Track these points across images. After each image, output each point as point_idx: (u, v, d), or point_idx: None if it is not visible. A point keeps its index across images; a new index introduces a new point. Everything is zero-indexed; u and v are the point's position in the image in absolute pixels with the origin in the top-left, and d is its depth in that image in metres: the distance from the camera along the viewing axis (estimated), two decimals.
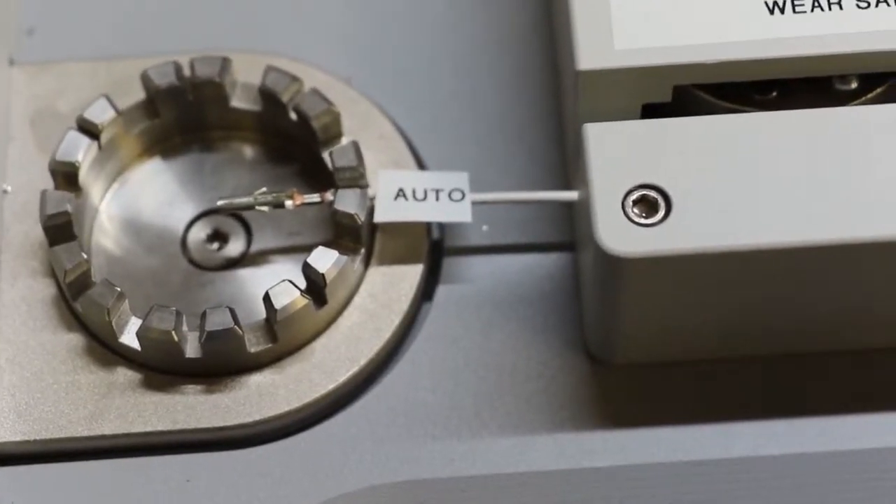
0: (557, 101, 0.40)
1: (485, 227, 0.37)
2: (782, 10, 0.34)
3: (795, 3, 0.34)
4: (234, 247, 0.38)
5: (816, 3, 0.34)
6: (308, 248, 0.36)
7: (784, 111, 0.34)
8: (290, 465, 0.35)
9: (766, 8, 0.34)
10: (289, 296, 0.35)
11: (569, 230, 0.38)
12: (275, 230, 0.38)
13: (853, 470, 0.36)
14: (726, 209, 0.32)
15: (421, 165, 0.38)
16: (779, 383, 0.37)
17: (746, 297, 0.34)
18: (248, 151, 0.39)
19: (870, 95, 0.35)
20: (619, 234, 0.32)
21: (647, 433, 0.36)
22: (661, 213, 0.32)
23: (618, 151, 0.33)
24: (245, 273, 0.37)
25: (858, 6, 0.34)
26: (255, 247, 0.38)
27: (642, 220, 0.32)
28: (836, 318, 0.36)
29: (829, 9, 0.34)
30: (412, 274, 0.37)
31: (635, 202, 0.32)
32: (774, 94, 0.35)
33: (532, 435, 0.36)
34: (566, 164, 0.38)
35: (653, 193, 0.32)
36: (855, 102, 0.35)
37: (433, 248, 0.38)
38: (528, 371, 0.37)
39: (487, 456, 0.35)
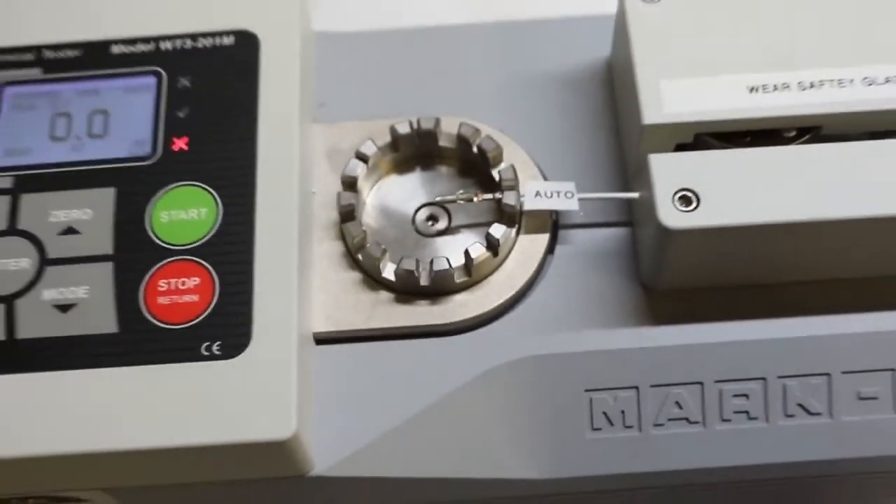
0: (620, 140, 0.40)
1: (581, 213, 0.38)
2: (757, 91, 0.35)
3: (765, 88, 0.35)
4: (441, 224, 0.39)
5: (775, 87, 0.35)
6: (485, 225, 0.37)
7: (758, 148, 0.35)
8: (482, 345, 0.36)
9: (747, 91, 0.35)
10: (479, 251, 0.36)
11: (627, 213, 0.38)
12: (465, 214, 0.39)
13: (827, 351, 0.36)
14: (732, 202, 0.33)
15: (545, 178, 0.39)
16: (773, 299, 0.36)
17: (749, 250, 0.35)
18: (448, 170, 0.40)
19: (802, 139, 0.36)
20: (671, 216, 0.33)
21: (683, 328, 0.36)
22: (694, 204, 0.33)
23: (669, 170, 0.34)
24: (448, 238, 0.38)
25: (800, 86, 0.35)
26: (454, 223, 0.39)
27: (683, 209, 0.33)
28: (809, 261, 0.36)
29: (782, 90, 0.35)
30: (542, 239, 0.38)
31: (680, 199, 0.34)
32: (748, 139, 0.36)
33: (611, 328, 0.36)
34: (626, 176, 0.39)
35: (690, 194, 0.34)
36: (795, 143, 0.36)
37: (554, 224, 0.38)
38: (606, 293, 0.37)
39: (589, 339, 0.36)
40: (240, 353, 0.34)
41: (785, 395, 0.36)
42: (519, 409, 0.36)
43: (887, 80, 0.35)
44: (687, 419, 0.36)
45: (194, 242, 0.35)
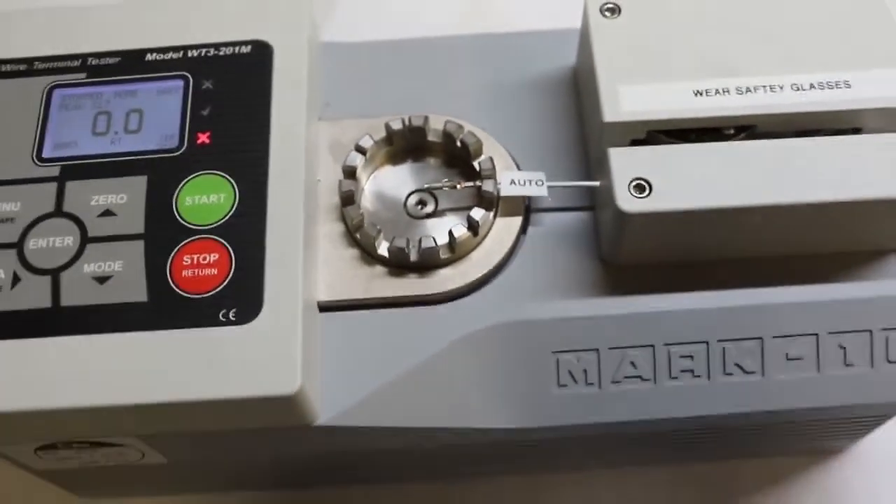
0: (584, 136, 0.39)
1: (550, 199, 0.38)
2: (701, 95, 0.36)
3: (707, 92, 0.35)
4: (429, 208, 0.39)
5: (717, 92, 0.35)
6: (466, 208, 0.38)
7: (703, 143, 0.35)
8: (463, 313, 0.37)
9: (693, 94, 0.36)
10: (461, 231, 0.37)
11: (590, 198, 0.39)
12: (449, 199, 0.39)
13: (761, 318, 0.36)
14: (680, 190, 0.34)
15: (518, 168, 0.39)
16: (715, 274, 0.36)
17: (694, 231, 0.35)
18: (435, 161, 0.40)
19: (740, 136, 0.36)
20: (627, 202, 0.34)
21: (637, 298, 0.36)
22: (647, 191, 0.34)
23: (626, 162, 0.35)
24: (435, 220, 0.38)
25: (738, 91, 0.35)
26: (440, 207, 0.39)
27: (638, 196, 0.34)
28: (745, 241, 0.36)
29: (723, 94, 0.35)
30: (516, 221, 0.38)
31: (634, 187, 0.34)
32: (694, 135, 0.36)
33: (575, 299, 0.36)
34: (588, 167, 0.39)
35: (643, 182, 0.34)
36: (734, 139, 0.36)
37: (526, 208, 0.39)
38: (572, 268, 0.37)
39: (556, 308, 0.36)
40: (253, 319, 0.34)
41: (724, 356, 0.36)
42: (495, 368, 0.37)
43: (812, 87, 0.36)
44: (640, 377, 0.36)
45: (214, 223, 0.36)
